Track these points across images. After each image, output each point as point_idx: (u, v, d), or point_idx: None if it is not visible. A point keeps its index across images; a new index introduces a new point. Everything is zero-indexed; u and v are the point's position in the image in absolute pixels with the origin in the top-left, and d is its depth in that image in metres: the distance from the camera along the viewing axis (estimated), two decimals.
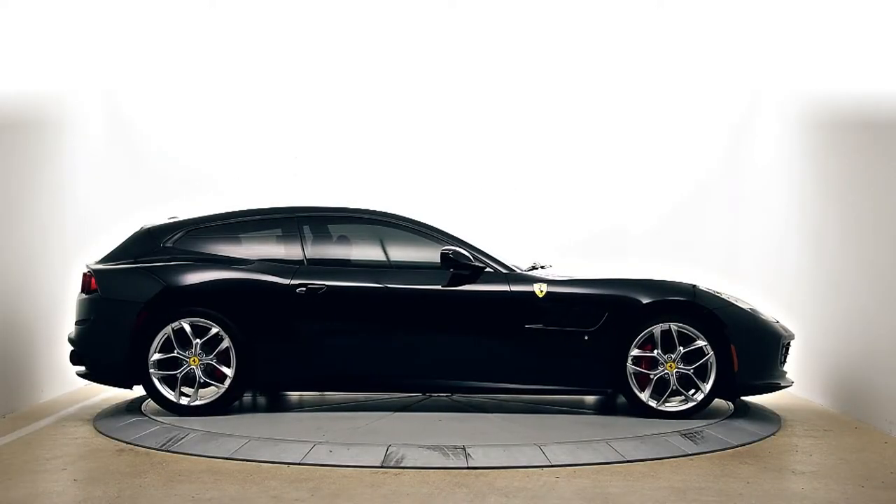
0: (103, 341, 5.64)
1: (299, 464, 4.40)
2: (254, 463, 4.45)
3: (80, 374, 5.81)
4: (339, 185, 8.73)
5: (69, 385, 6.87)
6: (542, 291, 5.49)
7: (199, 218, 5.99)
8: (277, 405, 6.11)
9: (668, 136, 8.69)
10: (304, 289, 5.56)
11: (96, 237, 7.64)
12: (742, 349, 5.38)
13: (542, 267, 6.20)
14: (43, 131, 6.66)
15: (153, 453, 4.70)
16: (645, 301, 5.42)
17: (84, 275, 5.85)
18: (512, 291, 5.51)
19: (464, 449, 4.59)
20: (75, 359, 5.79)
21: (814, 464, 4.51)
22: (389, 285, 5.59)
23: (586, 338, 5.43)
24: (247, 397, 6.34)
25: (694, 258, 8.22)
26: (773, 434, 5.18)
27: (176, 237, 5.86)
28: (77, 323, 5.83)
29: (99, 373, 5.73)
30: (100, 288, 5.70)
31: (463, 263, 5.52)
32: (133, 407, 5.89)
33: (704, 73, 8.33)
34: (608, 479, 4.15)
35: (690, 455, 4.61)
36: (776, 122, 7.21)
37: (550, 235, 8.49)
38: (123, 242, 5.99)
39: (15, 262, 6.11)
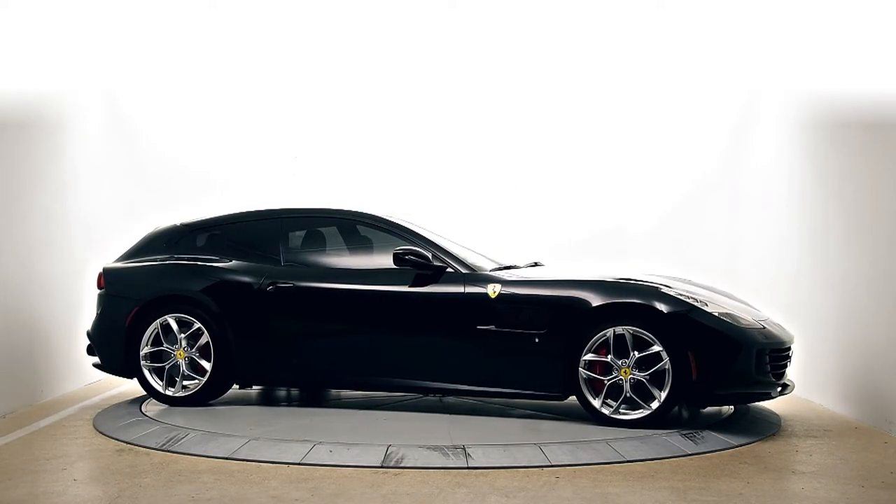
0: (107, 335, 6.08)
1: (299, 464, 4.40)
2: (254, 463, 4.45)
3: (94, 365, 6.24)
4: (338, 186, 8.73)
5: (69, 385, 6.87)
6: (494, 292, 5.37)
7: (202, 220, 6.33)
8: (311, 401, 6.13)
9: (668, 136, 8.68)
10: (273, 287, 5.76)
11: (98, 238, 7.65)
12: (702, 356, 5.00)
13: (535, 265, 6.18)
14: (45, 131, 6.66)
15: (153, 453, 4.70)
16: (595, 303, 5.16)
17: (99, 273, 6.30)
18: (466, 292, 5.43)
19: (464, 449, 4.59)
20: (90, 350, 6.26)
21: (814, 464, 4.51)
22: (352, 286, 5.67)
23: (537, 340, 5.23)
24: (284, 392, 6.45)
25: (694, 258, 8.22)
26: (773, 434, 5.18)
27: (179, 238, 6.25)
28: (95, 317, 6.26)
29: (105, 363, 6.16)
30: (106, 285, 6.16)
31: (422, 263, 5.51)
32: (133, 407, 5.89)
33: (704, 73, 8.33)
34: (608, 479, 4.15)
35: (690, 455, 4.61)
36: (775, 121, 7.20)
37: (550, 235, 8.50)
38: (136, 243, 6.40)
39: (15, 262, 6.10)
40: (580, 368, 5.16)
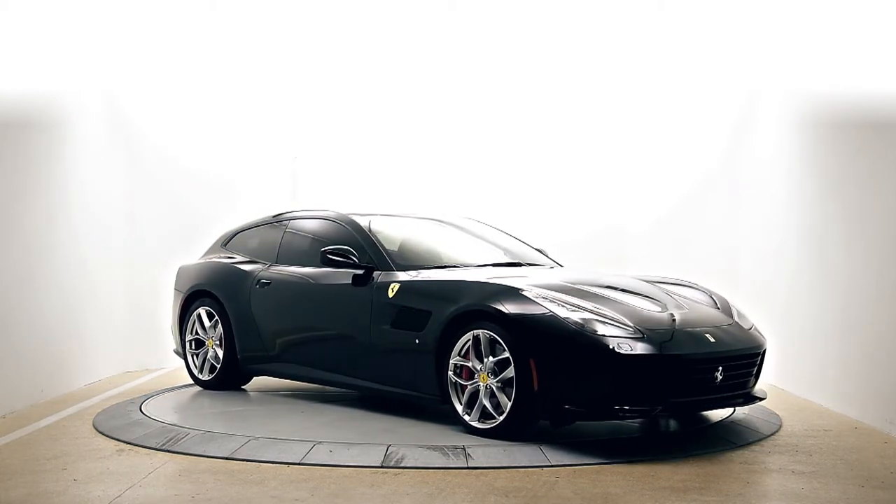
0: (174, 324, 7.01)
1: (299, 464, 4.40)
2: (254, 463, 4.45)
3: (175, 352, 7.12)
4: (337, 186, 8.73)
5: (69, 385, 6.87)
6: (392, 292, 5.37)
7: (243, 225, 7.03)
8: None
9: (668, 136, 8.69)
10: (259, 284, 6.31)
11: (99, 237, 7.65)
12: (546, 365, 4.56)
13: (510, 265, 6.11)
14: (46, 131, 6.67)
15: (153, 453, 4.70)
16: (450, 306, 4.98)
17: None
18: (374, 292, 5.47)
19: (464, 449, 4.59)
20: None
21: (814, 464, 4.50)
22: (298, 285, 6.03)
23: (416, 341, 5.15)
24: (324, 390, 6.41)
25: (693, 258, 8.21)
26: (773, 434, 5.18)
27: (230, 240, 7.00)
28: None
29: (176, 348, 7.05)
30: (175, 281, 7.07)
31: (349, 262, 5.62)
32: (133, 407, 5.89)
33: (704, 73, 8.33)
34: (608, 479, 4.15)
35: (690, 455, 4.61)
36: (775, 121, 7.21)
37: (549, 235, 8.48)
38: (211, 246, 7.24)
39: (15, 262, 6.10)
40: (449, 372, 4.98)
